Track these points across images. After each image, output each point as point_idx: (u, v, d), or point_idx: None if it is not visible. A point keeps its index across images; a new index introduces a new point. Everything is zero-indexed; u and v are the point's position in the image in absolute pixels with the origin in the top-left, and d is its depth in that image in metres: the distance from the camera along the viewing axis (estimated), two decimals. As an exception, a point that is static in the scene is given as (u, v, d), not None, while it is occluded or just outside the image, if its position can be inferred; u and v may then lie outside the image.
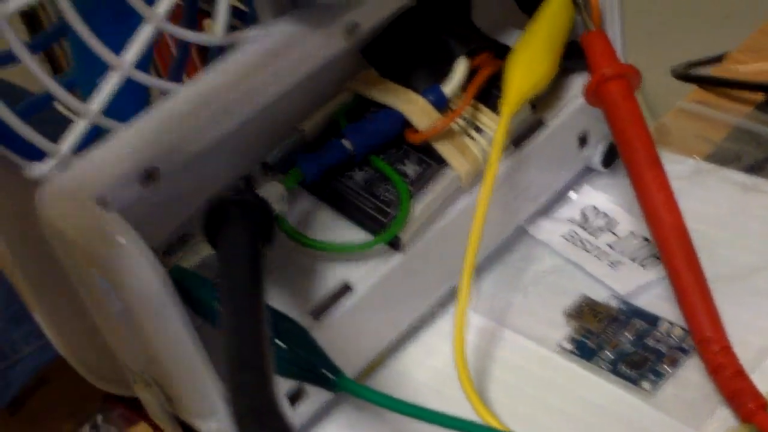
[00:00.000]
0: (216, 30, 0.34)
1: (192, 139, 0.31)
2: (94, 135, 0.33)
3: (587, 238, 0.40)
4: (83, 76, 0.35)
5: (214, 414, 0.31)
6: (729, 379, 0.32)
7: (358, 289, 0.35)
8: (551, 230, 0.41)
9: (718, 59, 0.52)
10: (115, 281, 0.29)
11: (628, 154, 0.36)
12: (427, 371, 0.37)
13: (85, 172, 0.30)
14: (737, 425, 0.32)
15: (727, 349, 0.33)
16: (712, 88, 0.47)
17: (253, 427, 0.22)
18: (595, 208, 0.41)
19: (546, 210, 0.41)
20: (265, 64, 0.32)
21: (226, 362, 0.25)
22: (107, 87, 0.33)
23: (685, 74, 0.49)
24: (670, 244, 0.35)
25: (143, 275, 0.29)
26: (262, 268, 0.28)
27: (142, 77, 0.33)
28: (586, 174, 0.42)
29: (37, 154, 0.34)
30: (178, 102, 0.31)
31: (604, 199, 0.41)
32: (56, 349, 0.37)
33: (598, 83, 0.36)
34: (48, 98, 0.35)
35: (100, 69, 0.33)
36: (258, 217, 0.30)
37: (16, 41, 0.30)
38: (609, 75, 0.36)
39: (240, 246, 0.29)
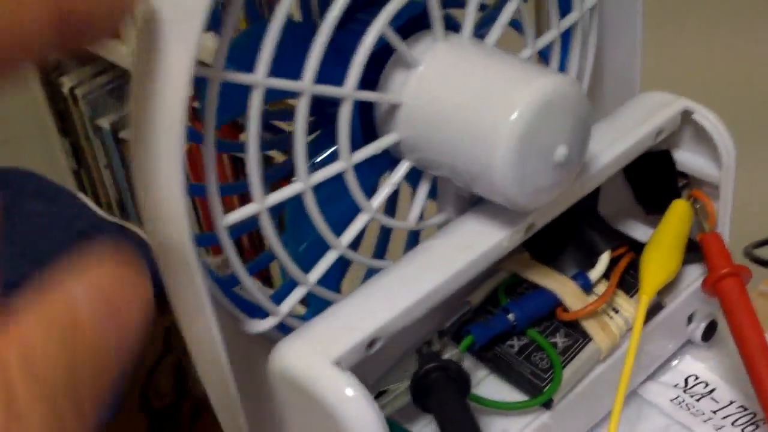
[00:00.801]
0: (411, 217, 0.42)
1: (402, 317, 0.37)
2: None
3: (691, 402, 0.47)
4: (295, 238, 0.42)
5: None
6: None
7: (515, 438, 0.41)
8: (659, 393, 0.48)
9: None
10: (343, 428, 0.36)
11: (741, 341, 0.43)
12: None
13: (321, 337, 0.37)
14: None
15: None
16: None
17: None
18: (696, 376, 0.48)
19: (653, 375, 0.48)
20: (464, 255, 0.39)
21: None
22: (325, 262, 0.40)
23: (757, 257, 0.57)
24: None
25: (369, 424, 0.35)
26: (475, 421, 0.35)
27: (354, 256, 0.40)
28: (686, 345, 0.49)
29: (257, 311, 0.41)
30: (392, 282, 0.38)
31: (703, 368, 0.49)
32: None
33: (716, 279, 0.44)
34: (270, 258, 0.42)
35: (312, 237, 0.40)
36: (459, 379, 0.37)
37: (272, 235, 0.37)
38: (726, 273, 0.43)
39: (455, 407, 0.36)
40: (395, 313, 0.37)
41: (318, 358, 0.36)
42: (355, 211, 0.41)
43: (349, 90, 0.37)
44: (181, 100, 0.32)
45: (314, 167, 0.38)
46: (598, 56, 0.48)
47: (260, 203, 0.37)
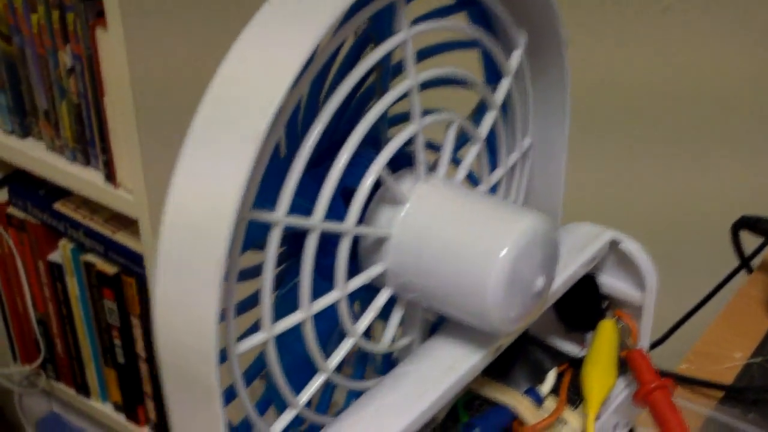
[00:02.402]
0: (385, 340, 0.45)
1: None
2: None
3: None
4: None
5: None
6: None
7: None
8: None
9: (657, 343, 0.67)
10: None
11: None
12: None
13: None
14: None
15: None
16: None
17: None
18: (621, 480, 0.53)
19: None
20: (449, 377, 0.42)
21: None
22: (314, 385, 0.42)
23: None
24: None
25: None
26: None
27: (338, 379, 0.43)
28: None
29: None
30: (386, 405, 0.41)
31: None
32: None
33: (647, 392, 0.49)
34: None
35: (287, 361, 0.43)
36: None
37: (275, 362, 0.39)
38: (656, 387, 0.49)
39: None
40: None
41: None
42: (326, 335, 0.44)
43: (350, 226, 0.40)
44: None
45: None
46: (527, 187, 0.54)
47: (268, 331, 0.39)
